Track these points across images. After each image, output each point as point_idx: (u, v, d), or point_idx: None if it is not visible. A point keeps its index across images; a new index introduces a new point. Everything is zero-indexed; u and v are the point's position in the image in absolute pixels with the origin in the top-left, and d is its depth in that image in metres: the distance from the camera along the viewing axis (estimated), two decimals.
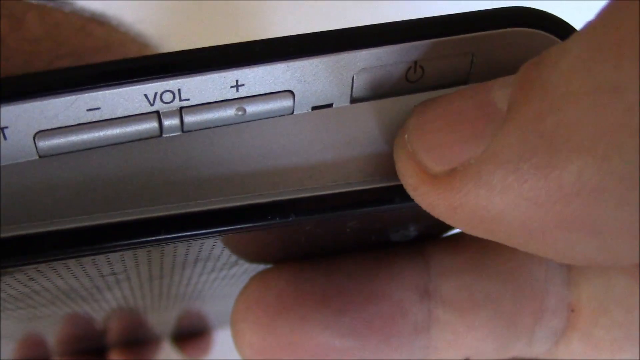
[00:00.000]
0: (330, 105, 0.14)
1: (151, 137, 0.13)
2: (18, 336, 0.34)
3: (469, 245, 0.15)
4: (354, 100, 0.15)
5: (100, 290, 0.19)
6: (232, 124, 0.14)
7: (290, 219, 0.13)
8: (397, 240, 0.18)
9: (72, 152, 0.13)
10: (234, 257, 0.18)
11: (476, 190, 0.12)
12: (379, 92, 0.15)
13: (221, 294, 0.26)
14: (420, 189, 0.13)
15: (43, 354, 0.41)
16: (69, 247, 0.13)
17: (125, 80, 0.12)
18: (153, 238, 0.13)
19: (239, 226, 0.13)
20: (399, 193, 0.14)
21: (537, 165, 0.11)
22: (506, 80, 0.13)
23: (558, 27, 0.14)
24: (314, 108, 0.14)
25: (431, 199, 0.13)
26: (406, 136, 0.14)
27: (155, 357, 0.44)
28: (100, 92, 0.12)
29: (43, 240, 0.13)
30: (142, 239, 0.13)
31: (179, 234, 0.13)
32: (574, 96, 0.10)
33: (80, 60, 0.29)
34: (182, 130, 0.13)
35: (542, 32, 0.14)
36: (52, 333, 0.35)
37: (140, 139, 0.13)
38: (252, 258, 0.19)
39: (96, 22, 0.31)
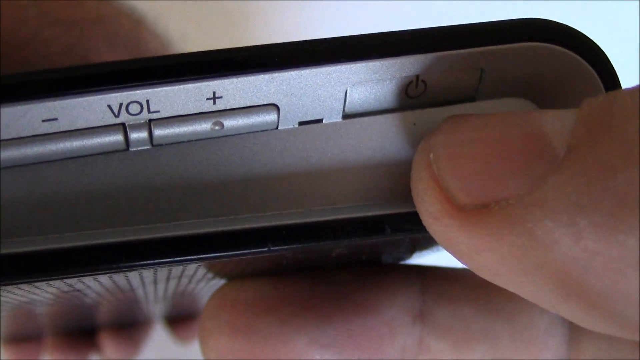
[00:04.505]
0: (320, 121, 0.13)
1: (116, 151, 0.12)
2: (10, 313, 0.33)
3: (472, 275, 0.13)
4: (346, 116, 0.13)
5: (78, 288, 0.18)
6: (208, 139, 0.12)
7: (267, 249, 0.12)
8: (390, 262, 0.17)
9: (25, 165, 0.12)
10: (211, 275, 0.17)
11: (512, 237, 0.10)
12: (374, 107, 0.13)
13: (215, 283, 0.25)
14: (442, 220, 0.11)
15: (33, 331, 0.40)
16: (12, 273, 0.11)
17: (86, 90, 0.11)
18: (109, 266, 0.12)
19: (207, 255, 0.12)
20: (394, 222, 0.13)
21: (598, 224, 0.09)
22: (562, 115, 0.11)
23: (580, 44, 0.13)
24: (301, 123, 0.13)
25: (452, 235, 0.11)
26: (431, 155, 0.12)
27: (146, 339, 0.43)
28: (58, 102, 0.11)
29: None
30: (98, 268, 0.12)
31: (140, 262, 0.12)
32: None
33: (71, 31, 0.28)
34: (152, 144, 0.12)
35: (562, 48, 0.13)
36: (42, 312, 0.34)
37: (103, 153, 0.12)
38: (229, 276, 0.17)
39: None
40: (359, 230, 0.12)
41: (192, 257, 0.12)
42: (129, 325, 0.42)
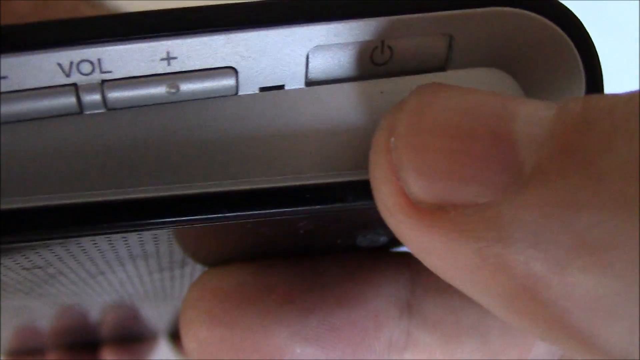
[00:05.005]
0: (281, 87, 0.13)
1: (70, 114, 0.12)
2: (12, 326, 0.33)
3: None
4: (310, 83, 0.13)
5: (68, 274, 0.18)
6: (165, 103, 0.12)
7: (222, 215, 0.12)
8: (366, 246, 0.17)
9: None
10: (184, 259, 0.16)
11: (464, 250, 0.10)
12: (339, 74, 0.13)
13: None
14: (396, 215, 0.11)
15: (37, 346, 0.40)
16: None
17: (33, 47, 0.11)
18: (59, 231, 0.11)
19: (161, 220, 0.12)
20: (355, 191, 0.12)
21: (552, 259, 0.09)
22: (536, 120, 0.10)
23: (552, 9, 0.12)
24: (262, 89, 0.13)
25: (405, 231, 0.11)
26: (392, 140, 0.11)
27: (150, 356, 0.43)
28: (7, 59, 0.11)
29: None
30: (48, 232, 0.11)
31: (90, 227, 0.11)
32: (631, 203, 0.08)
33: None
34: (106, 108, 0.12)
35: (533, 14, 0.12)
36: (44, 324, 0.34)
37: (56, 115, 0.12)
38: (209, 262, 0.17)
39: (89, 4, 0.30)
40: (319, 198, 0.12)
41: (144, 222, 0.11)
42: (133, 340, 0.42)
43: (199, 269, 0.18)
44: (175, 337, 0.44)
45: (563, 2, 0.12)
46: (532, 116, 0.10)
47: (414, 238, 0.10)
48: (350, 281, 0.16)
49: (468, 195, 0.10)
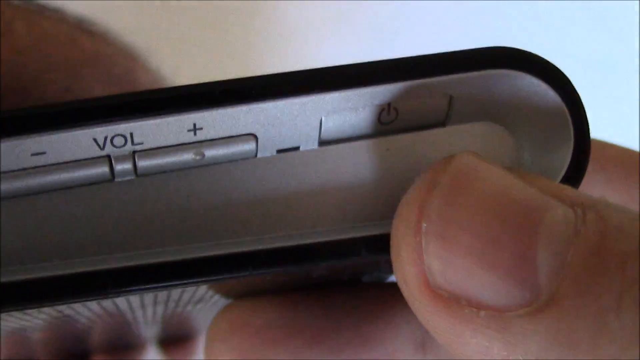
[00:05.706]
0: (297, 149, 0.14)
1: (102, 182, 0.13)
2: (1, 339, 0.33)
3: None
4: (322, 143, 0.14)
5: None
6: (190, 168, 0.13)
7: (248, 273, 0.13)
8: (371, 281, 0.18)
9: (14, 197, 0.12)
10: (209, 295, 0.17)
11: (472, 341, 0.11)
12: (349, 134, 0.14)
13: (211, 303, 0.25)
14: (415, 295, 0.11)
15: (25, 355, 0.40)
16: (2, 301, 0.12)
17: (72, 125, 0.12)
18: (97, 293, 0.12)
19: (191, 280, 0.12)
20: (369, 244, 0.13)
21: None
22: (558, 231, 0.10)
23: (541, 68, 0.13)
24: (279, 151, 0.13)
25: (420, 309, 0.11)
26: (424, 226, 0.11)
27: None
28: (45, 137, 0.12)
29: None
30: (86, 294, 0.12)
31: (125, 289, 0.12)
32: None
33: (68, 73, 0.28)
34: (136, 175, 0.13)
35: (525, 74, 0.13)
36: (34, 338, 0.34)
37: (90, 184, 0.13)
38: (231, 295, 0.18)
39: (84, 32, 0.30)
40: (336, 253, 0.13)
41: (176, 282, 0.12)
42: (122, 348, 0.43)
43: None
44: (163, 343, 0.44)
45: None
46: (554, 233, 0.11)
47: (427, 317, 0.11)
48: (372, 323, 0.17)
49: (484, 297, 0.11)
